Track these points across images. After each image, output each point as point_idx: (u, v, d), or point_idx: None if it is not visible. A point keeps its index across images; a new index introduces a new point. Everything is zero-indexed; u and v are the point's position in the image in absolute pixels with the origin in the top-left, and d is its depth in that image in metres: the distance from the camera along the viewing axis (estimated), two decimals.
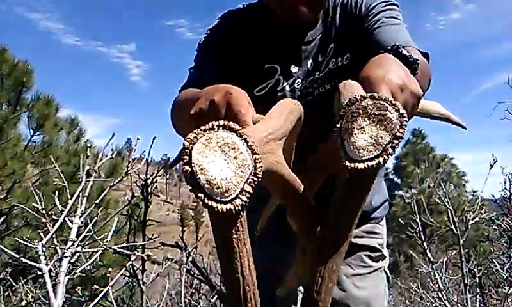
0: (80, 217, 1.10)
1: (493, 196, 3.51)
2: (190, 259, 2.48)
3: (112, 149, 1.26)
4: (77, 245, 1.02)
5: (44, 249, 0.97)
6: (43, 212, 0.93)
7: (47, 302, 1.79)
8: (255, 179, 0.47)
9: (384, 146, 0.51)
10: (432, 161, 16.86)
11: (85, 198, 1.14)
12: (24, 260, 1.02)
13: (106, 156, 1.66)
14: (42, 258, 0.97)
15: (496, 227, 3.46)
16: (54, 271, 0.97)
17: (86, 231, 1.10)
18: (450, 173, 16.66)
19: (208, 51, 1.12)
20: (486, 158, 3.05)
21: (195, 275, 2.86)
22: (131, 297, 2.93)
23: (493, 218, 3.39)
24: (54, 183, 1.20)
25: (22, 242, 1.03)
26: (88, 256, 1.23)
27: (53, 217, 0.99)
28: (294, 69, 1.12)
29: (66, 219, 1.06)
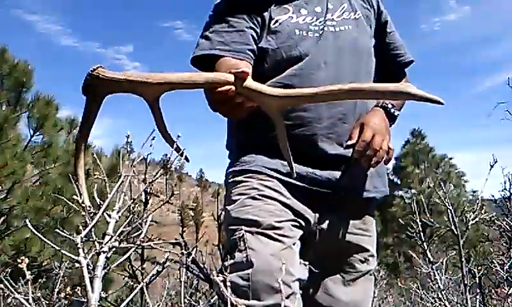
0: (118, 211, 1.11)
1: (493, 196, 3.50)
2: (190, 258, 2.48)
3: (124, 146, 1.27)
4: (115, 240, 1.04)
5: (82, 243, 0.99)
6: (83, 205, 0.95)
7: (47, 302, 1.79)
8: None
9: None
10: (432, 161, 16.85)
11: (123, 194, 1.15)
12: (64, 252, 1.04)
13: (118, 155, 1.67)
14: (81, 251, 0.98)
15: (496, 227, 3.45)
16: (92, 265, 0.99)
17: (123, 226, 1.12)
18: (450, 173, 16.65)
19: (229, 10, 1.24)
20: (486, 158, 3.04)
21: (194, 273, 2.85)
22: (131, 298, 2.92)
23: (493, 218, 3.38)
24: (95, 178, 1.23)
25: (62, 233, 1.05)
26: (122, 253, 1.25)
27: (91, 210, 1.00)
28: (303, 11, 1.27)
29: (105, 213, 1.08)
